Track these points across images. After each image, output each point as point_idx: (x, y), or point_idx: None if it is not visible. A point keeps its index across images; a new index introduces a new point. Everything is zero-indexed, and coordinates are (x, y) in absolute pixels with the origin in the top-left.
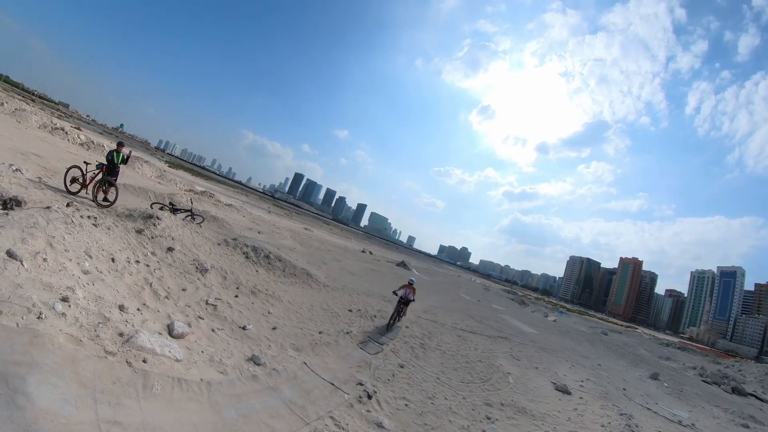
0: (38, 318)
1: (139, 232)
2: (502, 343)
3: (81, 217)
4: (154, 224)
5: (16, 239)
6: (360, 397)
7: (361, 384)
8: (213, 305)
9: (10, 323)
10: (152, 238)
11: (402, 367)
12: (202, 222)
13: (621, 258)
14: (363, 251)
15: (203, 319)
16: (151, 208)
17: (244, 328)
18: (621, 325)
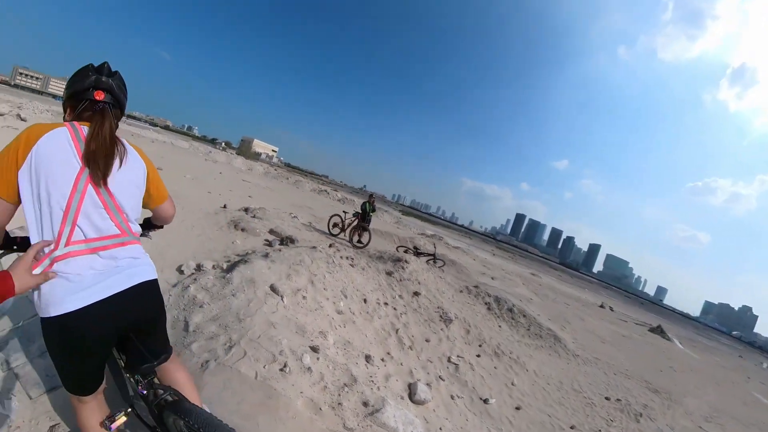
0: (281, 370)
1: (389, 274)
2: None
3: (341, 257)
4: (402, 267)
5: (282, 275)
6: None
7: None
8: (455, 364)
9: (249, 372)
10: (400, 281)
11: None
12: (443, 266)
13: None
14: (602, 306)
15: (444, 380)
16: (397, 251)
17: (486, 401)
18: None
